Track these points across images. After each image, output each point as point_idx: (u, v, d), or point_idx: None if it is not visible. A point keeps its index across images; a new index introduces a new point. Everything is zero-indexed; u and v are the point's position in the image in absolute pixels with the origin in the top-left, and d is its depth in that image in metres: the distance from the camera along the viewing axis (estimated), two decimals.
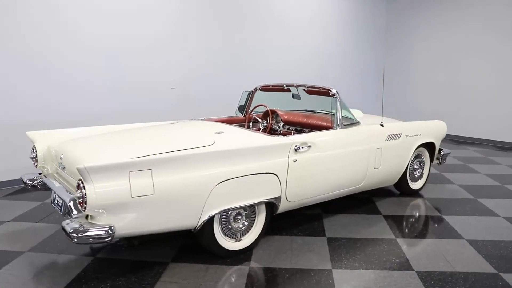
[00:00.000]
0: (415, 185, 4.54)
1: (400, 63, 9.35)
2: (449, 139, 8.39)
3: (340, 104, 3.69)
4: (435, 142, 4.55)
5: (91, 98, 5.17)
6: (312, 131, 3.57)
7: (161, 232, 2.64)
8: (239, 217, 2.99)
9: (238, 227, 2.99)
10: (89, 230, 2.27)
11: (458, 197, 4.45)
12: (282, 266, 2.85)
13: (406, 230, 3.51)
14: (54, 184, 2.88)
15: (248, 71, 6.85)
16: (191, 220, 2.67)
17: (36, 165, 3.23)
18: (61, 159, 2.91)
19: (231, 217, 2.95)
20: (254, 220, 3.10)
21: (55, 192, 2.80)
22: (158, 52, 5.81)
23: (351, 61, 8.83)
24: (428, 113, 8.71)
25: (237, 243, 3.01)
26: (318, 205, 4.09)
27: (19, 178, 3.33)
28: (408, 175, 4.40)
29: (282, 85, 4.33)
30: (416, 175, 4.53)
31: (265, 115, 4.50)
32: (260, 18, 6.99)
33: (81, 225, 2.32)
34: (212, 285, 2.59)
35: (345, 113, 3.92)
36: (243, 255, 3.01)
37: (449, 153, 4.81)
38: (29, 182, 3.17)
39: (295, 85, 4.18)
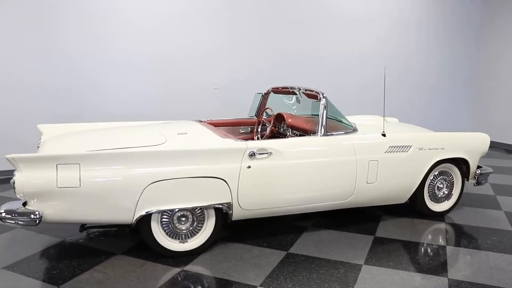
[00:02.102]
0: (437, 207, 3.86)
1: (494, 71, 7.94)
2: None
3: (325, 109, 3.37)
4: (467, 159, 3.80)
5: (144, 102, 5.69)
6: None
7: (95, 223, 2.81)
8: (184, 219, 2.98)
9: (181, 229, 2.98)
10: (16, 213, 2.55)
11: (491, 226, 3.64)
12: (213, 275, 2.76)
13: (385, 257, 3.02)
14: None
15: (304, 73, 6.67)
16: (125, 215, 2.76)
17: None
18: (37, 147, 3.31)
19: (175, 218, 2.96)
20: (203, 223, 3.05)
21: None
22: (210, 55, 6.05)
23: (433, 66, 7.87)
24: None
25: (181, 244, 3.00)
26: (310, 216, 3.80)
27: None
28: (426, 194, 3.77)
29: (288, 88, 4.14)
30: (439, 195, 3.85)
31: (275, 118, 4.34)
32: (321, 17, 6.74)
33: (18, 208, 2.61)
34: (133, 280, 2.65)
35: (341, 119, 3.59)
36: (187, 257, 2.98)
37: (490, 172, 3.96)
38: None
39: (296, 88, 3.96)
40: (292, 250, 3.15)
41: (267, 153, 3.05)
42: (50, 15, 5.06)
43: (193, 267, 2.85)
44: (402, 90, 7.65)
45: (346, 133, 3.46)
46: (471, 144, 3.85)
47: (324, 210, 3.49)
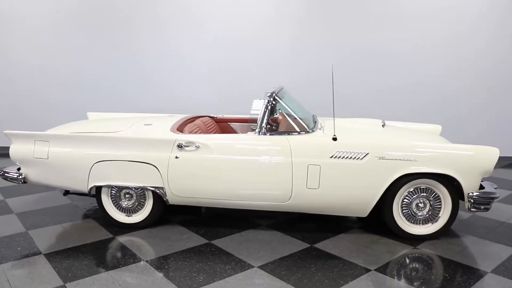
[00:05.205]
0: (416, 229, 3.27)
1: None
2: None
3: (267, 109, 3.35)
4: (456, 176, 3.08)
5: (204, 102, 6.42)
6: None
7: (64, 188, 3.60)
8: (128, 196, 3.50)
9: (124, 204, 3.51)
10: (8, 171, 3.55)
11: (470, 264, 2.88)
12: (129, 246, 3.17)
13: (286, 267, 2.85)
14: None
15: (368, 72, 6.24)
16: (81, 185, 3.47)
17: None
18: None
19: (122, 194, 3.51)
20: (145, 203, 3.50)
21: None
22: (276, 59, 6.35)
23: None
24: None
25: (126, 217, 3.54)
26: (279, 216, 3.77)
27: None
28: (398, 213, 3.25)
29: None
30: (420, 216, 3.24)
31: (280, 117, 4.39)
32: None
33: (13, 171, 3.61)
34: (73, 236, 3.36)
35: (298, 118, 3.50)
36: (133, 229, 3.49)
37: (495, 197, 3.07)
38: None
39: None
40: (215, 242, 3.28)
41: (195, 146, 3.28)
42: (124, 17, 6.21)
43: (124, 238, 3.36)
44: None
45: (288, 134, 3.33)
46: (465, 159, 3.10)
47: (266, 209, 3.47)
